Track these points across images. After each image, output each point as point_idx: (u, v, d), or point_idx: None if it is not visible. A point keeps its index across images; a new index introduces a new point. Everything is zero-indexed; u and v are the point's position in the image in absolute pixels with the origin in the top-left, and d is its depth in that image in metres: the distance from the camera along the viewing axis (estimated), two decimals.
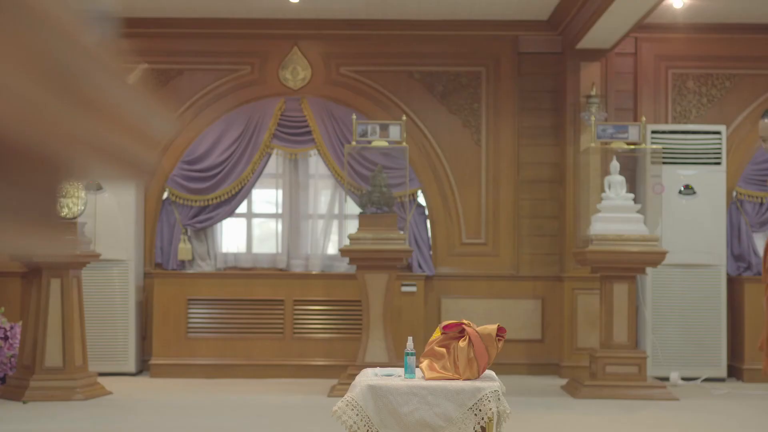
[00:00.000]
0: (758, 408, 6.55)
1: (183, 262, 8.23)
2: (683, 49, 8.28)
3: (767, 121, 4.56)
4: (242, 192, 8.23)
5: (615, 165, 7.24)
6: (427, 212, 8.31)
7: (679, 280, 7.80)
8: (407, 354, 3.43)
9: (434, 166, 8.28)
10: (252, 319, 7.95)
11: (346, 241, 7.50)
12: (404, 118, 7.50)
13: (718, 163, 7.90)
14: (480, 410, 3.20)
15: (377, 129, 7.36)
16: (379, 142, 7.39)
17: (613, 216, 7.11)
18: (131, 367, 7.86)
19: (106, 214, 7.83)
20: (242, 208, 8.39)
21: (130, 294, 7.86)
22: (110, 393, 6.82)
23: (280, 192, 8.38)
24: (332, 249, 8.32)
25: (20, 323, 6.99)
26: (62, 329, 6.63)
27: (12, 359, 6.96)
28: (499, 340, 3.43)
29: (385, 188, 7.22)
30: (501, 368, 6.79)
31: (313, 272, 8.14)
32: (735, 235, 8.20)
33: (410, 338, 3.54)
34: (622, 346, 6.96)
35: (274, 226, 8.44)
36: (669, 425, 5.88)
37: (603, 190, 7.40)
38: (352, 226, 8.08)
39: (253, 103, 8.28)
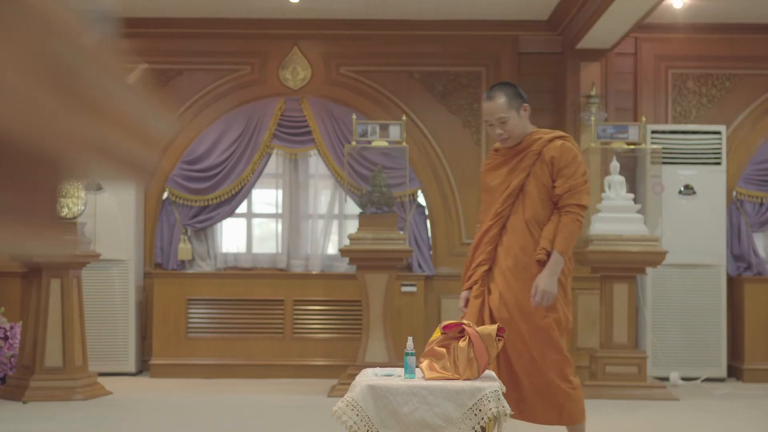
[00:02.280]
0: (758, 408, 6.55)
1: (183, 262, 8.23)
2: (683, 49, 8.28)
3: (498, 102, 3.83)
4: (242, 192, 8.23)
5: (615, 165, 7.24)
6: (427, 212, 8.31)
7: (679, 280, 7.80)
8: (407, 354, 3.42)
9: (434, 166, 8.28)
10: (252, 319, 7.95)
11: (346, 241, 7.50)
12: (404, 118, 7.50)
13: (718, 163, 7.90)
14: (480, 410, 3.20)
15: (377, 129, 7.36)
16: (379, 142, 7.39)
17: (613, 216, 7.11)
18: (131, 367, 7.86)
19: (106, 214, 7.84)
20: (242, 208, 8.40)
21: (130, 294, 7.86)
22: (110, 393, 6.82)
23: (280, 192, 8.38)
24: (332, 249, 8.32)
25: (20, 323, 6.99)
26: (62, 329, 6.63)
27: (12, 359, 6.96)
28: (499, 340, 3.43)
29: (385, 188, 7.22)
30: None
31: (313, 272, 8.14)
32: (735, 235, 8.20)
33: (410, 338, 3.53)
34: (622, 346, 6.96)
35: (274, 226, 8.44)
36: (669, 425, 5.88)
37: (603, 191, 7.40)
38: (352, 226, 8.08)
39: (253, 103, 8.28)
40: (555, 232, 3.75)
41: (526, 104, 3.85)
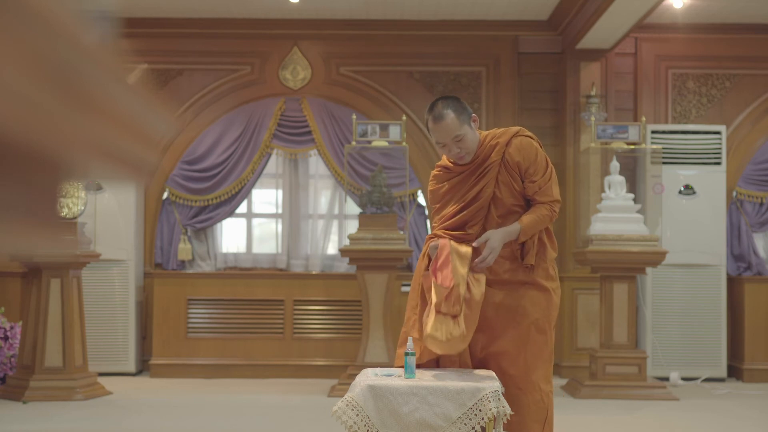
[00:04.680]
0: (758, 408, 6.55)
1: (183, 262, 8.23)
2: (683, 49, 8.28)
3: (449, 121, 3.52)
4: (242, 192, 8.23)
5: (615, 165, 7.24)
6: (427, 212, 8.31)
7: (679, 280, 7.81)
8: (407, 354, 3.42)
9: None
10: (252, 319, 7.95)
11: (346, 241, 7.50)
12: (404, 118, 7.50)
13: (718, 163, 7.90)
14: (480, 410, 3.20)
15: (377, 129, 7.36)
16: (379, 142, 7.40)
17: (613, 216, 7.11)
18: (131, 367, 7.86)
19: (106, 214, 7.84)
20: (242, 208, 8.40)
21: (130, 294, 7.86)
22: (110, 393, 6.82)
23: (280, 192, 8.38)
24: (332, 249, 8.32)
25: (20, 323, 6.99)
26: (62, 329, 6.63)
27: (12, 359, 6.96)
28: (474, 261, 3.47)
29: (385, 188, 7.22)
30: None
31: (313, 272, 8.14)
32: (735, 235, 8.20)
33: (410, 338, 3.53)
34: (622, 346, 6.96)
35: (274, 226, 8.45)
36: (669, 425, 5.88)
37: (603, 190, 7.40)
38: (352, 226, 8.08)
39: (253, 103, 8.28)
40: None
41: (474, 115, 3.62)
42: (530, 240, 3.63)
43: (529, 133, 3.66)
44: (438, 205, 3.76)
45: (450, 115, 3.52)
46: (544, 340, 3.61)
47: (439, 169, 3.78)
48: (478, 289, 3.44)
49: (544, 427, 3.59)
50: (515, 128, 3.67)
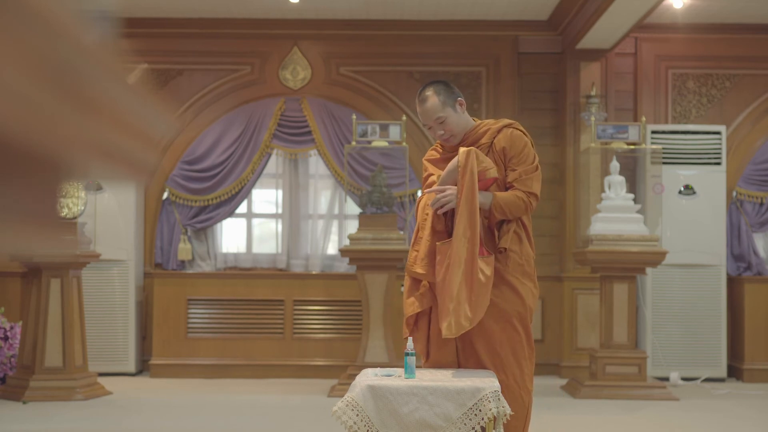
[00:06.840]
0: (758, 408, 6.55)
1: (183, 262, 8.23)
2: (683, 49, 8.28)
3: (431, 103, 3.61)
4: (242, 192, 8.23)
5: (615, 165, 7.24)
6: None
7: (679, 280, 7.80)
8: (407, 354, 3.42)
9: None
10: (252, 319, 7.95)
11: (346, 241, 7.50)
12: (404, 118, 7.50)
13: (718, 163, 7.90)
14: (480, 410, 3.20)
15: (377, 129, 7.36)
16: (379, 142, 7.40)
17: (613, 216, 7.11)
18: (131, 367, 7.86)
19: (106, 214, 7.84)
20: (242, 208, 8.40)
21: (130, 294, 7.86)
22: (110, 393, 6.82)
23: (280, 192, 8.38)
24: (332, 249, 8.32)
25: (20, 323, 6.99)
26: (62, 329, 6.62)
27: (12, 359, 6.96)
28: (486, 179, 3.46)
29: (385, 188, 7.22)
30: None
31: (313, 272, 8.14)
32: (735, 235, 8.20)
33: (410, 338, 3.53)
34: (622, 346, 6.96)
35: (274, 226, 8.45)
36: (669, 425, 5.88)
37: (603, 190, 7.40)
38: (352, 226, 8.08)
39: (253, 103, 8.28)
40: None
41: (460, 98, 3.67)
42: (507, 224, 3.59)
43: (522, 129, 3.69)
44: (427, 174, 3.79)
45: (433, 98, 3.63)
46: (520, 338, 3.58)
47: (436, 144, 3.86)
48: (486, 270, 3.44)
49: (525, 424, 3.57)
50: (510, 120, 3.74)
